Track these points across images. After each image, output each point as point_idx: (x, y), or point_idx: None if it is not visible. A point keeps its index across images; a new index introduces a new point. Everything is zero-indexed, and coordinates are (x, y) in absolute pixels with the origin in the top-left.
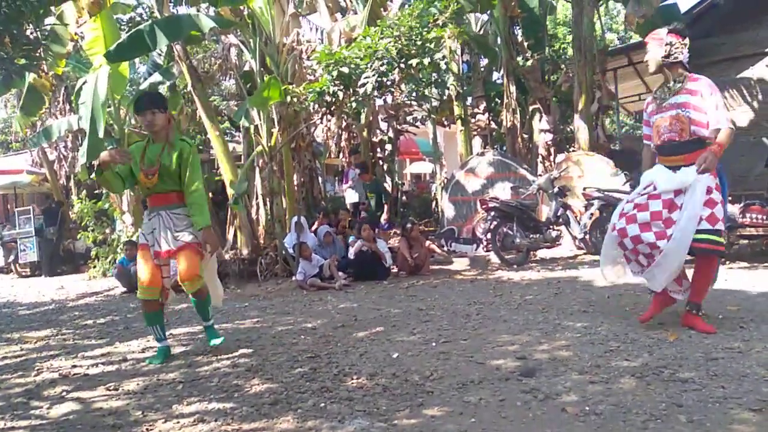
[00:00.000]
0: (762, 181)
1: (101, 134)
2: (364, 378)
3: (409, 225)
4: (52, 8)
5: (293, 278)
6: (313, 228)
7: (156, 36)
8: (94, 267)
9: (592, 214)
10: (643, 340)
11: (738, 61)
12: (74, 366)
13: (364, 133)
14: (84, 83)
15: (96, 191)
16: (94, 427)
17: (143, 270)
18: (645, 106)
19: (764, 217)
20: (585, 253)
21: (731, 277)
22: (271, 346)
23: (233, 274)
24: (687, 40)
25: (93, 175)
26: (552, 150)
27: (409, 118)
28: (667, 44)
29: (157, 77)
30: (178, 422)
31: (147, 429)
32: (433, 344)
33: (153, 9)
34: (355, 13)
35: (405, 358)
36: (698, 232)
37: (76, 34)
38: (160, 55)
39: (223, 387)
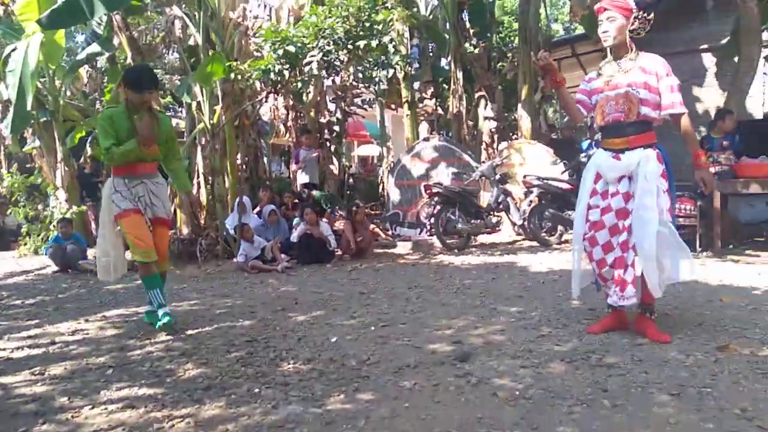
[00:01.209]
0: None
1: (29, 106)
2: (300, 362)
3: (354, 208)
4: None
5: (234, 260)
6: (259, 206)
7: (93, 4)
8: (25, 244)
9: (531, 201)
10: (573, 325)
11: (673, 57)
12: None
13: (312, 114)
14: (13, 50)
15: (28, 165)
16: (15, 415)
17: (140, 232)
18: (587, 78)
19: (692, 208)
20: (523, 239)
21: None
22: (208, 330)
23: (172, 254)
24: (651, 16)
25: (119, 157)
26: (496, 137)
27: (357, 101)
28: (635, 17)
29: (95, 47)
30: (106, 408)
31: (72, 416)
32: (372, 328)
33: None
34: None
35: (343, 342)
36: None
37: None
38: (99, 24)
39: (155, 372)
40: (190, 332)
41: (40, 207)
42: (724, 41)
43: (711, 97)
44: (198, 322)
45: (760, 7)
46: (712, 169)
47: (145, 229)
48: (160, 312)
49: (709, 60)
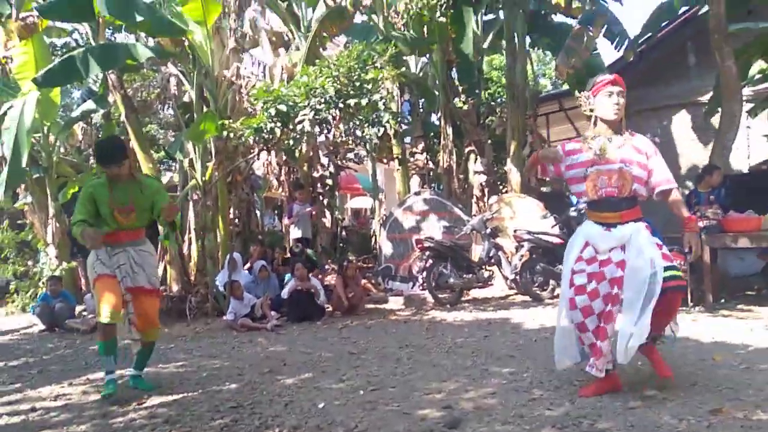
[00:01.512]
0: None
1: (24, 163)
2: (286, 430)
3: (345, 263)
4: None
5: (224, 318)
6: (250, 262)
7: (89, 63)
8: (13, 302)
9: (522, 255)
10: (566, 387)
11: (658, 112)
12: None
13: (305, 168)
14: (10, 108)
15: (19, 221)
16: None
17: (109, 293)
18: (567, 148)
19: (682, 263)
20: (516, 293)
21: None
22: (194, 394)
23: (160, 312)
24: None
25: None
26: (486, 191)
27: (350, 155)
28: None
29: (90, 104)
30: None
31: None
32: (361, 392)
33: (89, 35)
34: (298, 49)
35: (331, 407)
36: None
37: (4, 57)
38: (95, 81)
39: None
40: (175, 397)
41: (30, 263)
42: (707, 96)
43: (696, 151)
44: (184, 386)
45: (738, 65)
46: (700, 224)
47: (114, 293)
48: (107, 377)
49: (693, 115)
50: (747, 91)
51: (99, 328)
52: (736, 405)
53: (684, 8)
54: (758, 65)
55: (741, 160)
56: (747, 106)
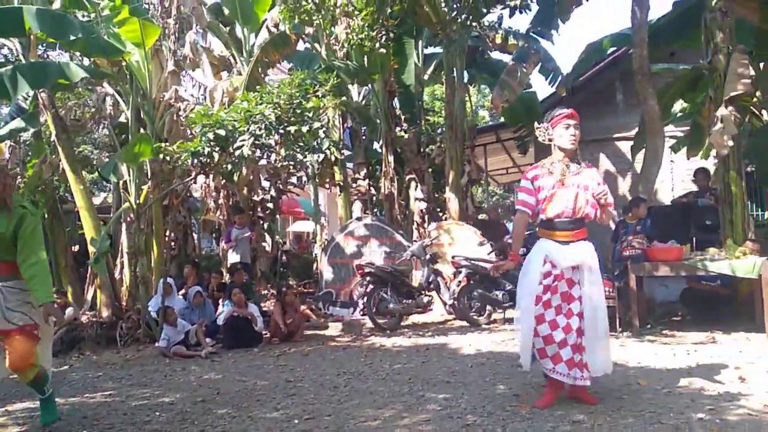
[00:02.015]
0: (607, 253)
1: None
2: None
3: (284, 289)
4: None
5: (156, 344)
6: (187, 284)
7: (18, 82)
8: None
9: (460, 281)
10: (499, 413)
11: (589, 145)
12: None
13: (245, 191)
14: None
15: None
16: None
17: None
18: (531, 176)
19: (610, 290)
20: (454, 318)
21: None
22: (121, 425)
23: (89, 338)
24: None
25: None
26: (426, 218)
27: (292, 179)
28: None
29: (19, 122)
30: None
31: None
32: (296, 421)
33: (18, 52)
34: (239, 74)
35: None
36: None
37: None
38: (26, 98)
39: None
40: (101, 429)
41: None
42: (634, 131)
43: (623, 183)
44: (111, 417)
45: (662, 104)
46: (626, 253)
47: None
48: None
49: (620, 149)
50: (671, 128)
51: None
52: (658, 429)
53: (612, 48)
54: (680, 104)
55: (665, 192)
56: (670, 142)
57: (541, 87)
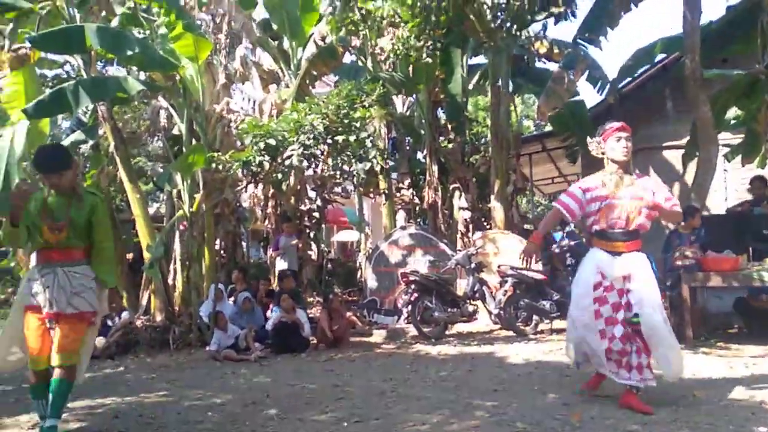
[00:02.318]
0: (660, 265)
1: None
2: None
3: (330, 296)
4: None
5: (207, 348)
6: (237, 289)
7: (79, 95)
8: None
9: (506, 290)
10: (548, 422)
11: (637, 154)
12: None
13: (292, 201)
14: None
15: (1, 248)
16: None
17: (31, 336)
18: (584, 186)
19: (663, 301)
20: (500, 328)
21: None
22: (174, 424)
23: (144, 341)
24: None
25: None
26: (470, 227)
27: (337, 189)
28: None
29: (79, 135)
30: None
31: None
32: (345, 424)
33: (80, 67)
34: (287, 87)
35: None
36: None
37: None
38: (85, 112)
39: None
40: (156, 428)
41: (10, 291)
42: (685, 140)
43: (676, 192)
44: (165, 416)
45: (714, 111)
46: (679, 263)
47: (38, 332)
48: (41, 423)
49: (672, 157)
50: (724, 136)
51: (29, 373)
52: None
53: (662, 55)
54: (733, 111)
55: (719, 202)
56: (723, 150)
57: (589, 95)
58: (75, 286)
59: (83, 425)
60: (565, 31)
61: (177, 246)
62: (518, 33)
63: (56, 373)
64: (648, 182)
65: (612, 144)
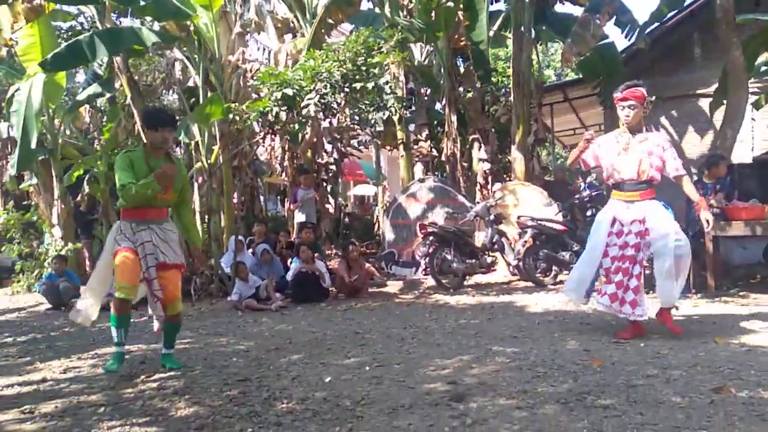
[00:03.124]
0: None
1: (34, 144)
2: (294, 402)
3: (349, 246)
4: None
5: (228, 298)
6: (255, 241)
7: (95, 47)
8: (18, 281)
9: (525, 241)
10: (569, 366)
11: (665, 102)
12: None
13: (309, 154)
14: (17, 90)
15: (24, 202)
16: None
17: (126, 269)
18: (599, 142)
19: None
20: (518, 279)
21: (653, 306)
22: (201, 369)
23: None
24: (653, 98)
25: (136, 196)
26: (490, 179)
27: (353, 142)
28: (648, 102)
29: (96, 88)
30: None
31: None
32: (367, 368)
33: (95, 19)
34: (303, 36)
35: (337, 382)
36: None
37: (10, 39)
38: (100, 65)
39: (147, 410)
40: (183, 371)
41: (34, 244)
42: (712, 88)
43: (703, 140)
44: (191, 361)
45: (745, 55)
46: None
47: (132, 269)
48: (116, 349)
49: (699, 105)
50: (753, 83)
51: (114, 301)
52: (739, 384)
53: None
54: (764, 57)
55: (745, 151)
56: (752, 99)
57: (617, 40)
58: (171, 239)
59: None
60: None
61: (195, 198)
62: None
63: (170, 319)
64: (659, 138)
65: (618, 111)
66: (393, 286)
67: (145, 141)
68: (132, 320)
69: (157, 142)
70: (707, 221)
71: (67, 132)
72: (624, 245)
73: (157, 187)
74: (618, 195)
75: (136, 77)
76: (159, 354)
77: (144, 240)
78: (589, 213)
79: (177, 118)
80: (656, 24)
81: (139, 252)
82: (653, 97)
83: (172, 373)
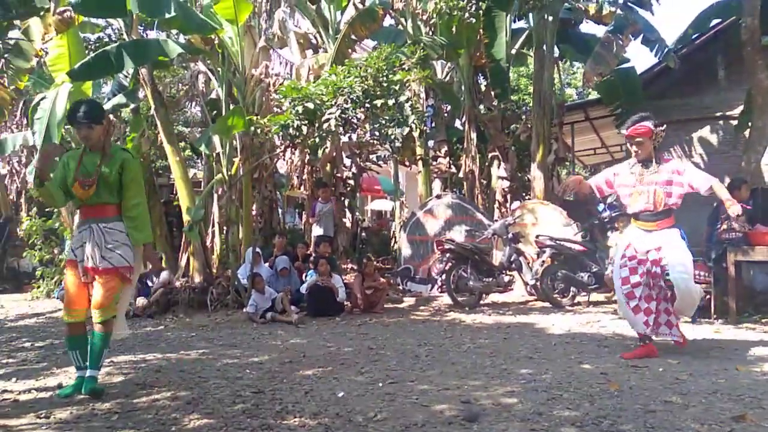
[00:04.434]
0: (703, 239)
1: None
2: (306, 417)
3: (364, 260)
4: (17, 23)
5: (244, 310)
6: (275, 252)
7: (122, 58)
8: (38, 287)
9: (543, 261)
10: (585, 389)
11: (687, 124)
12: (4, 391)
13: (328, 168)
14: (42, 99)
15: (47, 209)
16: None
17: (70, 289)
18: (615, 171)
19: (706, 274)
20: (536, 299)
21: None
22: (215, 380)
23: (183, 301)
24: (665, 128)
25: (34, 188)
26: (508, 197)
27: (372, 157)
28: (655, 134)
29: (121, 98)
30: None
31: None
32: (380, 384)
33: (122, 31)
34: (326, 51)
35: (350, 397)
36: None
37: (40, 50)
38: (126, 76)
39: (160, 420)
40: (197, 381)
41: (56, 251)
42: (735, 110)
43: (726, 163)
44: (205, 372)
45: None
46: (725, 236)
47: (75, 286)
48: (77, 374)
49: (721, 128)
50: None
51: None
52: (760, 413)
53: (715, 21)
54: None
55: None
56: None
57: (645, 59)
58: (109, 242)
59: (127, 378)
60: None
61: (215, 209)
62: None
63: (96, 328)
64: (673, 165)
65: (628, 146)
66: (408, 303)
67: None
68: (148, 329)
69: (79, 138)
70: (736, 215)
71: None
72: (643, 273)
73: (38, 182)
74: (637, 224)
75: (160, 88)
76: (158, 365)
77: (83, 241)
78: (609, 234)
79: (97, 113)
80: (680, 46)
81: (79, 256)
82: (663, 127)
83: (185, 383)
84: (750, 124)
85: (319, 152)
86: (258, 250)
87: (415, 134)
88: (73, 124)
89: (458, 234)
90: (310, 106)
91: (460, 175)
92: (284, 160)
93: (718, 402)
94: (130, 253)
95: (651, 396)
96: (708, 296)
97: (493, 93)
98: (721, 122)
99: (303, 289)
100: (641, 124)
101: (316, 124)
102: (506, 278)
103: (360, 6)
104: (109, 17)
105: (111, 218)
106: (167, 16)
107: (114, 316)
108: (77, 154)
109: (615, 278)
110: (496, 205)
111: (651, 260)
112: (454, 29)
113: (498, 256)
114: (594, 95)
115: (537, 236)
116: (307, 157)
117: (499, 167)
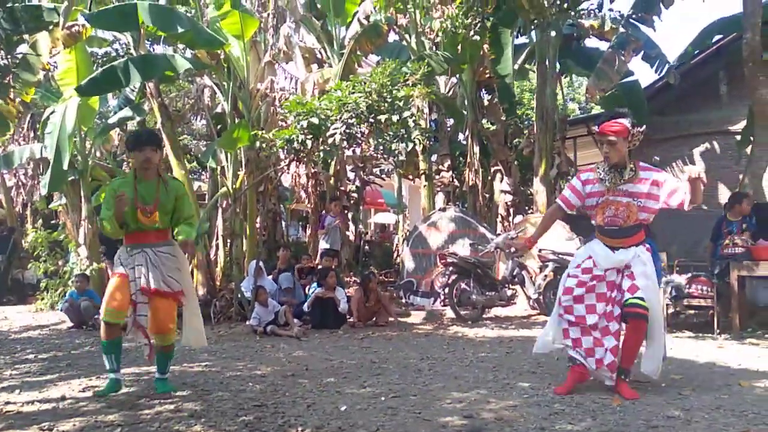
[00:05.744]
0: (706, 253)
1: (65, 166)
2: (309, 430)
3: (368, 275)
4: (26, 37)
5: (247, 322)
6: (278, 264)
7: (130, 73)
8: (42, 299)
9: (546, 275)
10: (588, 404)
11: (689, 139)
12: (7, 402)
13: (332, 182)
14: (52, 113)
15: (52, 221)
16: None
17: (116, 292)
18: (583, 179)
19: (709, 289)
20: (538, 313)
21: (676, 346)
22: (218, 392)
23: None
24: (643, 129)
25: (109, 228)
26: (511, 210)
27: (375, 170)
28: (631, 135)
29: (127, 112)
30: None
31: None
32: (383, 398)
33: (129, 46)
34: (330, 66)
35: (353, 411)
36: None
37: (48, 63)
38: (132, 90)
39: None
40: (200, 394)
41: (60, 263)
42: (737, 126)
43: (728, 178)
44: (208, 384)
45: None
46: (728, 251)
47: (121, 292)
48: (110, 376)
49: (723, 143)
50: None
51: (102, 326)
52: (763, 430)
53: (717, 37)
54: None
55: None
56: None
57: (647, 74)
58: (166, 266)
59: (131, 390)
60: (619, 6)
61: (219, 222)
62: (570, 10)
63: (162, 350)
64: (652, 175)
65: (598, 147)
66: (412, 316)
67: (132, 165)
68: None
69: (139, 162)
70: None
71: (98, 154)
72: (590, 288)
73: (110, 214)
74: (601, 238)
75: (167, 102)
76: (173, 375)
77: (137, 263)
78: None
79: (159, 138)
80: (682, 62)
81: (130, 275)
82: (642, 128)
83: (188, 395)
84: (752, 139)
85: (330, 165)
86: (261, 264)
87: (419, 148)
88: (136, 149)
89: (461, 247)
90: (315, 121)
91: (464, 188)
92: (289, 173)
93: (722, 418)
94: (182, 276)
95: (654, 411)
96: (711, 311)
97: (501, 108)
98: (723, 138)
99: (306, 307)
100: (616, 121)
101: (321, 139)
102: (509, 292)
103: (365, 22)
104: (123, 30)
105: (163, 243)
106: (179, 30)
107: (174, 340)
108: (129, 183)
109: (560, 286)
110: (499, 218)
111: (607, 281)
112: (458, 46)
113: (501, 270)
114: (597, 110)
115: (540, 250)
116: (312, 171)
117: (501, 181)
